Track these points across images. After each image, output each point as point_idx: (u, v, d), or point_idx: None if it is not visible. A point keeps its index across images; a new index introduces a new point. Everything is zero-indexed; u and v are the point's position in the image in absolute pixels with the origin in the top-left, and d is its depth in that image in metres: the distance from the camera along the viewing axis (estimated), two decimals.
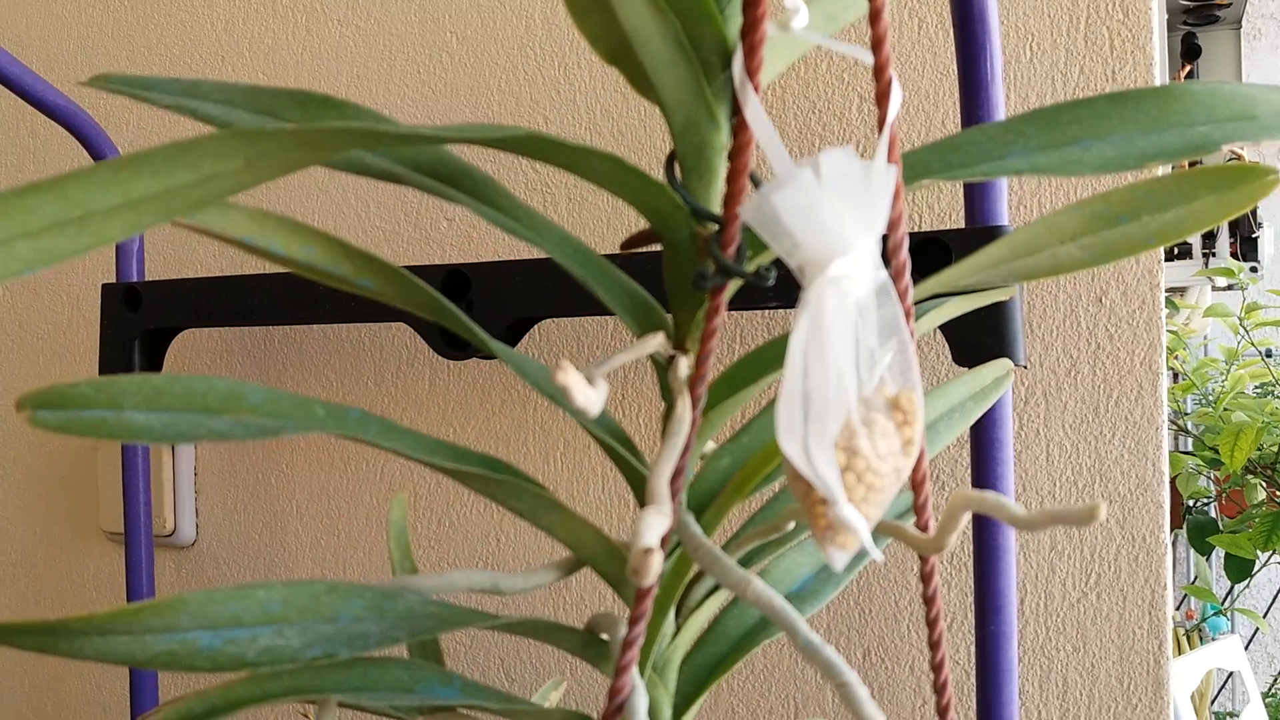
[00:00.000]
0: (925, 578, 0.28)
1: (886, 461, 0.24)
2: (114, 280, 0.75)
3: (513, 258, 0.69)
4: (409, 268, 0.64)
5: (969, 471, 0.54)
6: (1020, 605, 0.60)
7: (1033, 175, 0.27)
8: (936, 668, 0.28)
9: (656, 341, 0.28)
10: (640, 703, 0.26)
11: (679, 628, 0.32)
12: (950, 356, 0.52)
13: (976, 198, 0.51)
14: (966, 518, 0.25)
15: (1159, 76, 0.58)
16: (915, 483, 0.27)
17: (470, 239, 0.73)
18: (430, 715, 0.30)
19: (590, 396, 0.22)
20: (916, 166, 0.28)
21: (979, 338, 0.50)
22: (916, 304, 0.36)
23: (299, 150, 0.25)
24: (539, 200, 0.71)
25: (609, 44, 0.28)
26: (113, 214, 0.24)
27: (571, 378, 0.21)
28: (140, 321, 0.72)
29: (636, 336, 0.29)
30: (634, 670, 0.26)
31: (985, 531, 0.52)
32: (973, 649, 0.56)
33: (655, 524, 0.23)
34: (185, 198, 0.25)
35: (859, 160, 0.24)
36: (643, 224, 0.29)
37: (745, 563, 0.34)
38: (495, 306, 0.61)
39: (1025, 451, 0.59)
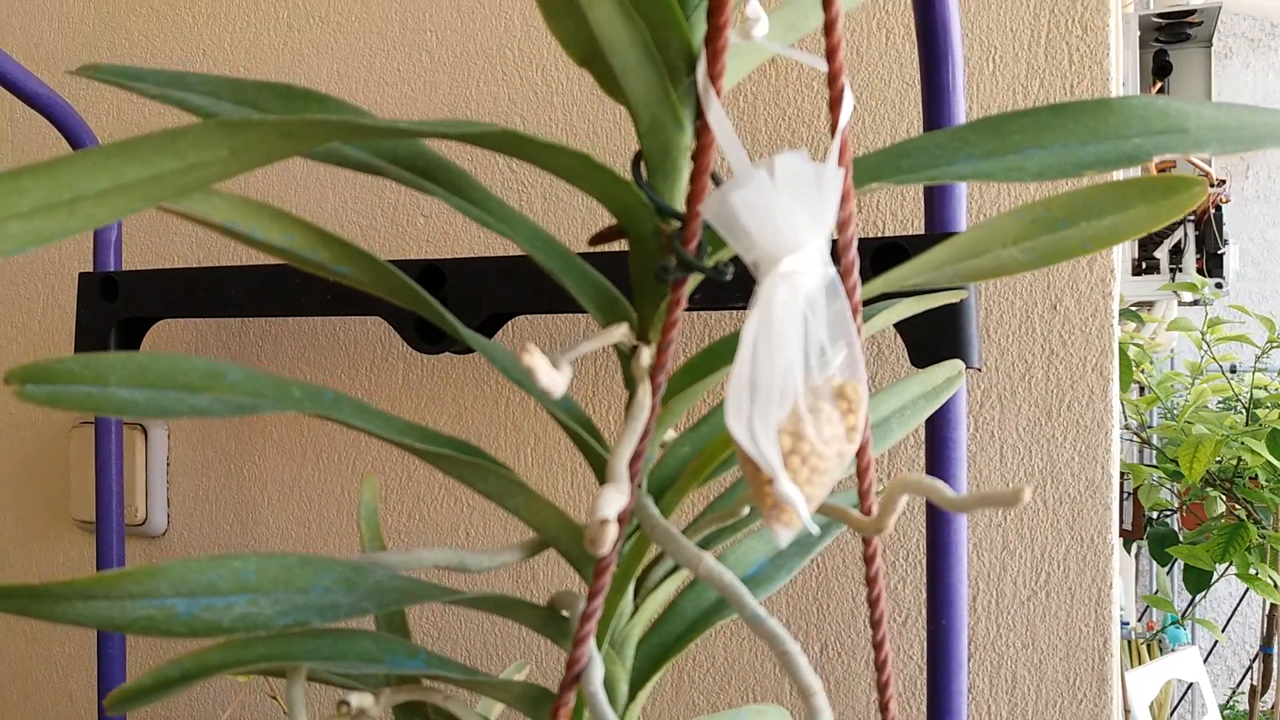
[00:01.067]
0: (868, 559, 0.29)
1: (830, 446, 0.26)
2: (91, 269, 0.76)
3: (488, 254, 0.70)
4: (391, 261, 0.65)
5: (924, 470, 0.56)
6: (972, 603, 0.61)
7: (977, 180, 0.29)
8: (877, 645, 0.30)
9: (620, 332, 0.30)
10: (596, 673, 0.27)
11: (637, 607, 0.33)
12: (908, 358, 0.54)
13: (937, 205, 0.53)
14: (904, 500, 0.26)
15: (1115, 91, 0.60)
16: (860, 470, 0.29)
17: (446, 235, 0.74)
18: (397, 686, 0.32)
19: (554, 379, 0.23)
20: (868, 170, 0.29)
21: (934, 340, 0.52)
22: (869, 303, 0.38)
23: (281, 141, 0.26)
24: (515, 198, 0.72)
25: (579, 47, 0.29)
26: (102, 198, 0.25)
27: (537, 360, 0.22)
28: (117, 311, 0.72)
29: (602, 328, 0.31)
30: (591, 643, 0.27)
31: (938, 528, 0.54)
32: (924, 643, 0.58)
33: (613, 499, 0.24)
34: (171, 184, 0.26)
35: (811, 163, 0.26)
36: (610, 220, 0.31)
37: (703, 546, 0.35)
38: (469, 302, 0.62)
39: (980, 452, 0.61)
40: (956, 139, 0.30)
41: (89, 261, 0.82)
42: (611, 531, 0.22)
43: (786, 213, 0.25)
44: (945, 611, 0.54)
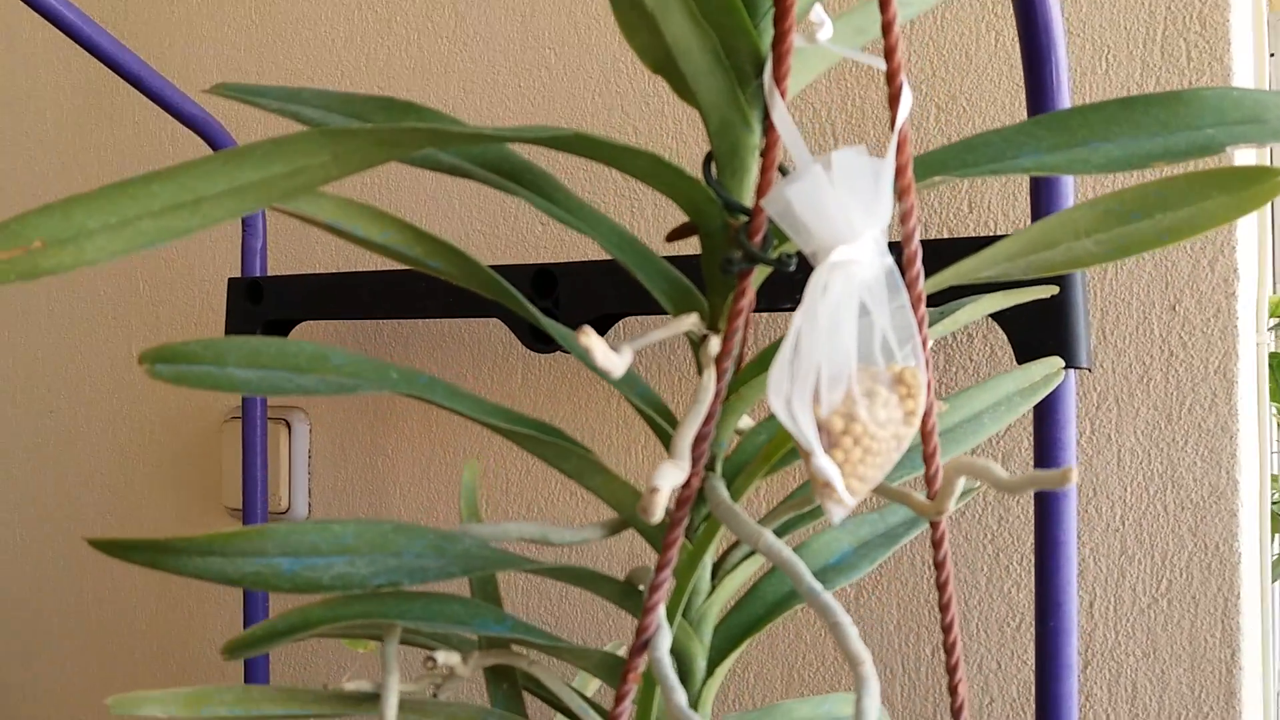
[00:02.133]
0: (935, 544, 0.30)
1: (885, 429, 0.27)
2: (239, 275, 0.82)
3: (599, 258, 0.73)
4: (502, 267, 0.69)
5: (1032, 469, 0.55)
6: (1089, 609, 0.60)
7: (1040, 173, 0.29)
8: (946, 628, 0.30)
9: (690, 321, 0.31)
10: (663, 641, 0.28)
11: (714, 587, 0.35)
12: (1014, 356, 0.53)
13: (1043, 204, 0.52)
14: (961, 482, 0.27)
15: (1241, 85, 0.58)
16: (926, 455, 0.30)
17: (563, 242, 0.77)
18: (487, 649, 0.34)
19: (611, 358, 0.25)
20: (933, 165, 0.30)
21: (1039, 338, 0.51)
22: (946, 297, 0.38)
23: (377, 147, 0.29)
24: (615, 204, 0.74)
25: (654, 56, 0.31)
26: (220, 199, 0.28)
27: (593, 340, 0.24)
28: (261, 313, 0.78)
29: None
30: (659, 612, 0.29)
31: (1046, 527, 0.53)
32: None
33: (669, 473, 0.26)
34: (280, 186, 0.29)
35: (867, 157, 0.27)
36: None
37: (780, 532, 0.37)
38: (580, 303, 0.64)
39: (1097, 456, 0.60)
40: (1023, 133, 0.30)
41: (239, 268, 0.88)
42: (660, 499, 0.23)
43: (840, 205, 0.26)
44: (1054, 613, 0.53)
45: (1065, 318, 0.50)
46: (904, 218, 0.29)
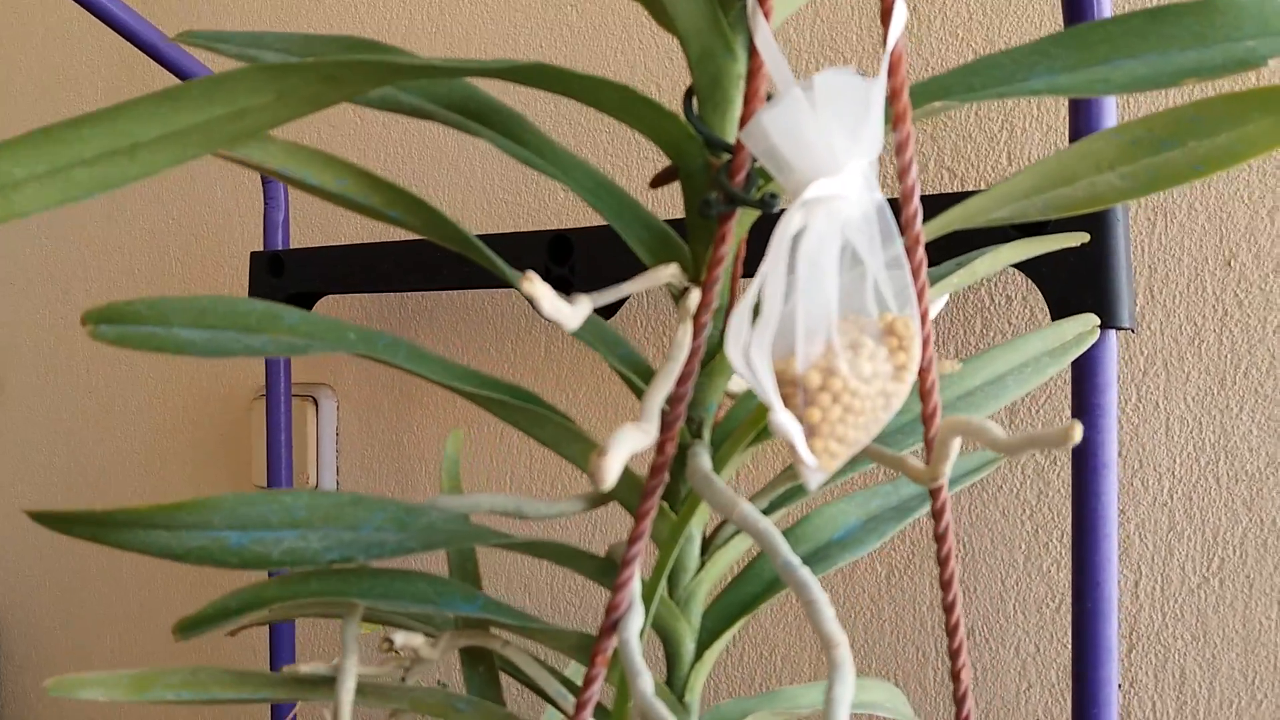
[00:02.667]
0: (936, 514, 0.27)
1: (871, 384, 0.24)
2: (261, 249, 0.81)
3: None
4: (517, 233, 0.67)
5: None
6: (1134, 589, 0.56)
7: (1053, 95, 0.26)
8: (948, 608, 0.28)
9: (668, 272, 0.28)
10: (634, 621, 0.26)
11: (704, 563, 0.32)
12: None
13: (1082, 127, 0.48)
14: (957, 445, 0.24)
15: None
16: (924, 416, 0.27)
17: (587, 210, 0.75)
18: (459, 630, 0.32)
19: (561, 308, 0.22)
20: (937, 89, 0.27)
21: (1076, 295, 0.47)
22: (962, 248, 0.35)
23: (323, 85, 0.26)
24: (624, 161, 0.72)
25: None
26: (159, 144, 0.26)
27: (538, 287, 0.22)
28: (284, 286, 0.77)
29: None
30: (631, 589, 0.27)
31: (1084, 501, 0.50)
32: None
33: (629, 436, 0.23)
34: (224, 130, 0.27)
35: (855, 78, 0.24)
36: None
37: (780, 504, 0.34)
38: (597, 269, 0.62)
39: (1143, 425, 0.56)
40: (1036, 53, 0.27)
41: (262, 241, 0.87)
42: (609, 464, 0.21)
43: (821, 131, 0.23)
44: (1092, 593, 0.50)
45: (1105, 273, 0.47)
46: (899, 148, 0.26)
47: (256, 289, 0.78)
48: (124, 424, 1.06)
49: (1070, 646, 0.57)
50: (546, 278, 0.63)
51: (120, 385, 1.06)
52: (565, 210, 0.76)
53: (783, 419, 0.21)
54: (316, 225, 0.89)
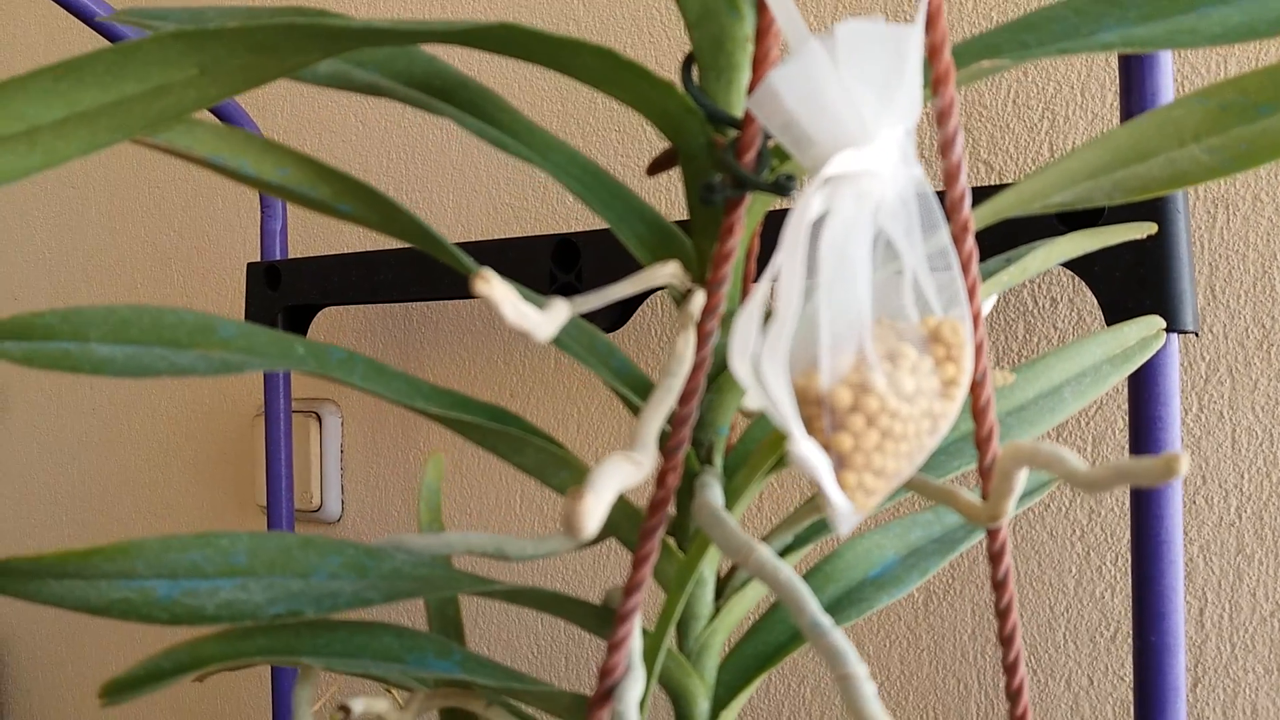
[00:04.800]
0: (993, 557, 0.22)
1: (914, 404, 0.19)
2: (259, 260, 0.77)
3: None
4: (522, 238, 0.62)
5: (1125, 455, 0.47)
6: (1199, 617, 0.51)
7: (1128, 50, 0.21)
8: (1009, 669, 0.23)
9: (667, 272, 0.24)
10: (632, 689, 0.22)
11: (718, 609, 0.28)
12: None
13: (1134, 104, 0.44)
14: (1022, 477, 0.20)
15: None
16: (979, 440, 0.22)
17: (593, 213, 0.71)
18: (439, 689, 0.28)
19: (527, 315, 0.18)
20: (985, 47, 0.23)
21: (1132, 295, 0.43)
22: (1010, 241, 0.30)
23: (254, 55, 0.22)
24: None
25: None
26: (62, 128, 0.22)
27: (496, 289, 0.17)
28: (280, 299, 0.73)
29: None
30: (629, 649, 0.22)
31: (1145, 525, 0.45)
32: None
33: (616, 471, 0.19)
34: (140, 112, 0.23)
35: (885, 29, 0.19)
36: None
37: (805, 539, 0.29)
38: (606, 275, 0.58)
39: (1206, 437, 0.51)
40: (1104, 2, 0.22)
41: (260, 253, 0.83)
42: (585, 509, 0.17)
43: (845, 93, 0.19)
44: (1156, 626, 0.45)
45: (1165, 270, 0.42)
46: (941, 117, 0.21)
47: (253, 301, 0.74)
48: (127, 443, 1.03)
49: (1131, 682, 0.52)
50: (551, 286, 0.59)
51: (123, 403, 1.03)
52: (574, 215, 0.72)
53: (804, 449, 0.17)
54: (317, 235, 0.85)
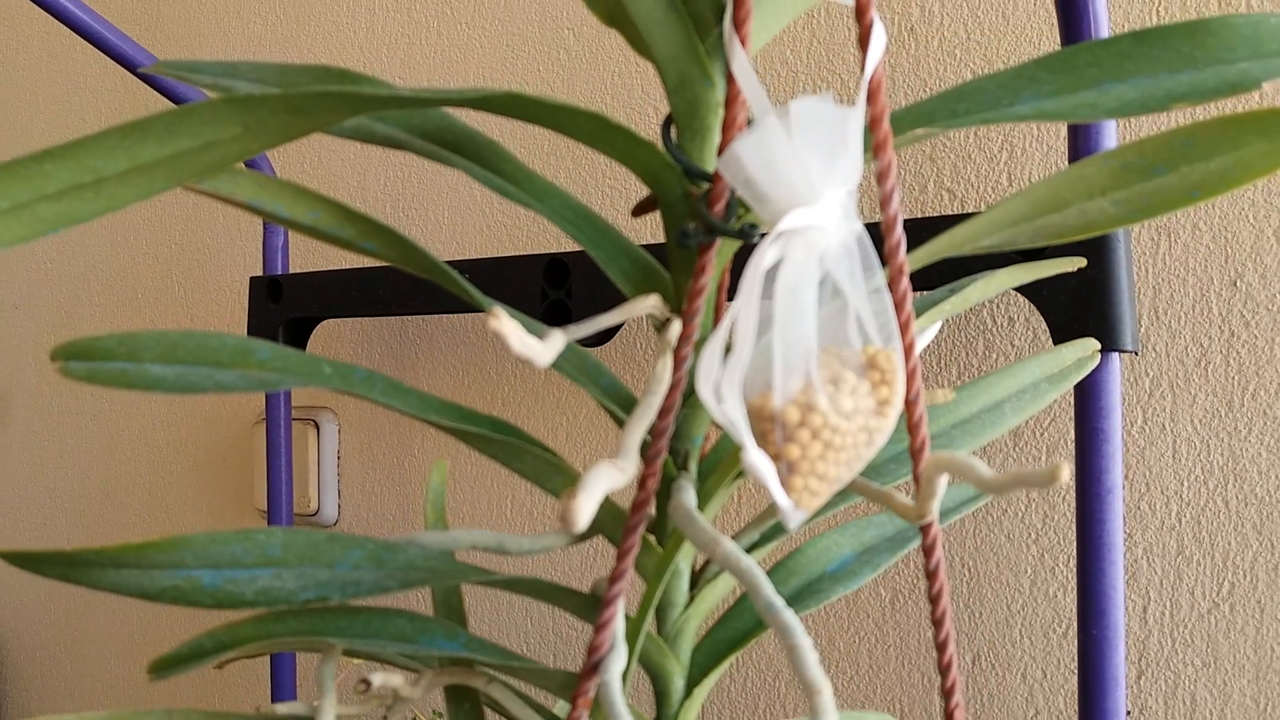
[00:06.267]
0: (926, 550, 0.26)
1: (853, 420, 0.23)
2: (260, 273, 0.81)
3: None
4: (515, 257, 0.66)
5: (1073, 464, 0.51)
6: (1143, 614, 0.55)
7: (1040, 121, 0.25)
8: (940, 647, 0.27)
9: (649, 303, 0.28)
10: (615, 663, 0.25)
11: (693, 598, 0.32)
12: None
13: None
14: (944, 482, 0.23)
15: None
16: (912, 451, 0.26)
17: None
18: (442, 669, 0.31)
19: (531, 344, 0.22)
20: (920, 115, 0.26)
21: (1077, 319, 0.47)
22: (956, 274, 0.34)
23: (292, 115, 0.26)
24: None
25: (604, 5, 0.28)
26: (124, 179, 0.26)
27: (505, 324, 0.21)
28: (282, 312, 0.77)
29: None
30: (614, 629, 0.26)
31: (1089, 528, 0.49)
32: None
33: (604, 476, 0.22)
34: (191, 163, 0.26)
35: (832, 106, 0.23)
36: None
37: (770, 537, 0.33)
38: (594, 293, 0.61)
39: (1150, 448, 0.55)
40: (1023, 77, 0.26)
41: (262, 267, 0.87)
42: (580, 506, 0.20)
43: (798, 159, 0.23)
44: (1098, 621, 0.49)
45: (1106, 295, 0.46)
46: (880, 176, 0.25)
47: (255, 314, 0.78)
48: (127, 449, 1.06)
49: (1077, 674, 0.56)
50: (542, 302, 0.63)
51: (123, 410, 1.06)
52: (564, 235, 0.75)
53: (755, 458, 0.20)
54: (317, 249, 0.88)
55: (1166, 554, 0.55)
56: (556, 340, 0.23)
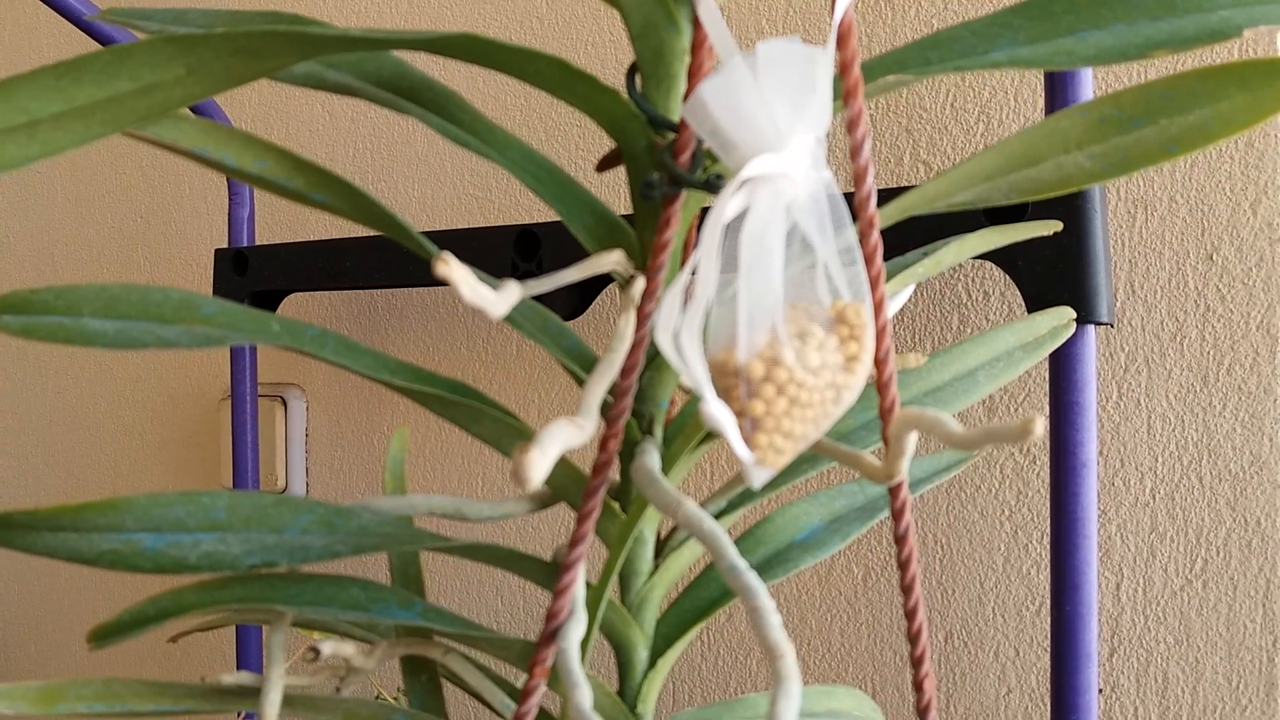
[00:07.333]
0: (895, 514, 0.25)
1: (820, 376, 0.22)
2: (226, 246, 0.79)
3: None
4: (486, 228, 0.65)
5: (1047, 438, 0.50)
6: (1116, 591, 0.55)
7: (1015, 68, 0.24)
8: (910, 614, 0.26)
9: (612, 259, 0.27)
10: (574, 629, 0.24)
11: (657, 566, 0.31)
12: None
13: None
14: (913, 440, 0.23)
15: None
16: (882, 411, 0.25)
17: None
18: (398, 639, 0.30)
19: (484, 294, 0.21)
20: (889, 63, 0.26)
21: (1052, 288, 0.46)
22: (929, 235, 0.33)
23: (237, 58, 0.25)
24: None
25: None
26: (59, 121, 0.25)
27: (455, 270, 0.20)
28: (247, 284, 0.75)
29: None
30: (573, 595, 0.25)
31: (1062, 503, 0.48)
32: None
33: (561, 432, 0.21)
34: (131, 107, 0.25)
35: (800, 48, 0.22)
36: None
37: (738, 504, 0.32)
38: (563, 263, 0.60)
39: (1125, 423, 0.55)
40: (997, 24, 0.25)
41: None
42: (532, 461, 0.19)
43: (763, 103, 0.22)
44: (1071, 597, 0.48)
45: (1082, 266, 0.45)
46: (850, 124, 0.24)
47: (220, 287, 0.76)
48: (93, 425, 1.04)
49: (1050, 651, 0.55)
50: (514, 274, 0.61)
51: (89, 385, 1.04)
52: (535, 206, 0.74)
53: (714, 409, 0.19)
54: (285, 222, 0.87)
55: (1140, 530, 0.54)
56: (511, 292, 0.22)
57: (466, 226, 0.75)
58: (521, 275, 0.62)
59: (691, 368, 0.19)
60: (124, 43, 0.24)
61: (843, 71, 0.24)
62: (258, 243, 0.82)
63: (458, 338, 0.78)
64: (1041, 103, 0.56)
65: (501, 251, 0.63)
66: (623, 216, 0.29)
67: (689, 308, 0.20)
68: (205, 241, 0.94)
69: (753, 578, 0.22)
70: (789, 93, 0.22)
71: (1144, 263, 0.54)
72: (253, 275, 0.75)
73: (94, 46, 0.96)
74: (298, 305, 0.85)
